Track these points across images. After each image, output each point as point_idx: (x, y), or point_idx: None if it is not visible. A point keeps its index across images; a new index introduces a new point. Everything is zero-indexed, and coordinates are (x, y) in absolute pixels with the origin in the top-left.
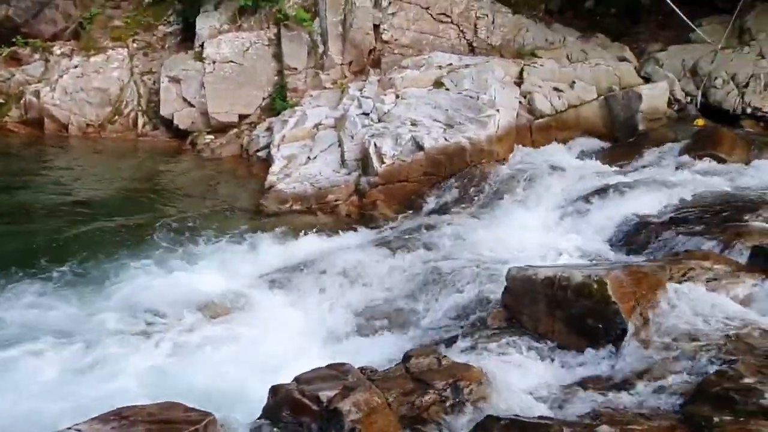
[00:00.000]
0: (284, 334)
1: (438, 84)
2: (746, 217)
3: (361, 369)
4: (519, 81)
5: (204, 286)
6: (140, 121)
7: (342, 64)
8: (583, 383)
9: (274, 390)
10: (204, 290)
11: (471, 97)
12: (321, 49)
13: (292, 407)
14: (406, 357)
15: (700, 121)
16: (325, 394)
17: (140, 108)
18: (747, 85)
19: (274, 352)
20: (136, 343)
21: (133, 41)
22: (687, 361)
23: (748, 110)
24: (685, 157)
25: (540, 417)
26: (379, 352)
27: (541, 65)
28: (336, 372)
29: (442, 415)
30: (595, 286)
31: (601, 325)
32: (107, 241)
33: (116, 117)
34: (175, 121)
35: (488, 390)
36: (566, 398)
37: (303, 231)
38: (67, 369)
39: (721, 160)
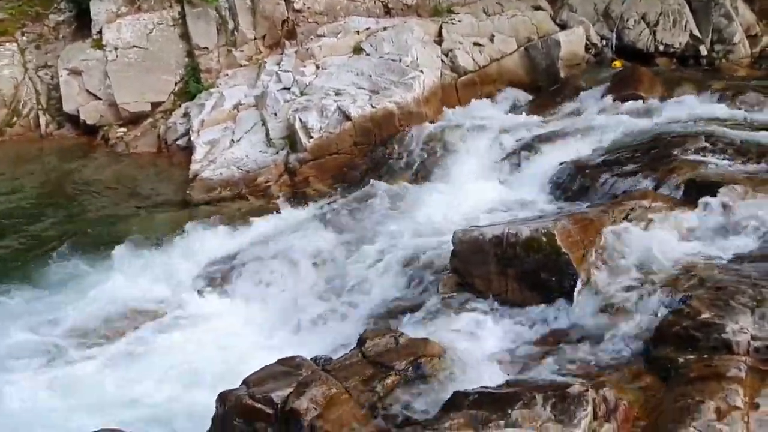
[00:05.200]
0: (227, 333)
1: (357, 50)
2: (675, 152)
3: (315, 360)
4: (439, 39)
5: (134, 293)
6: (43, 121)
7: (255, 38)
8: (545, 340)
9: (223, 397)
10: (135, 297)
11: (393, 60)
12: (231, 25)
13: (243, 414)
14: (361, 340)
15: (617, 63)
16: (278, 395)
17: (41, 106)
18: (657, 23)
19: (218, 355)
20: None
21: (23, 34)
22: (643, 304)
23: (661, 48)
24: (608, 100)
25: (508, 384)
26: (331, 337)
27: (459, 21)
28: (287, 367)
29: (408, 396)
30: (544, 239)
31: (554, 278)
32: (15, 256)
33: (15, 119)
34: (82, 117)
35: (451, 363)
36: (530, 359)
37: (235, 218)
38: None
39: (642, 99)
